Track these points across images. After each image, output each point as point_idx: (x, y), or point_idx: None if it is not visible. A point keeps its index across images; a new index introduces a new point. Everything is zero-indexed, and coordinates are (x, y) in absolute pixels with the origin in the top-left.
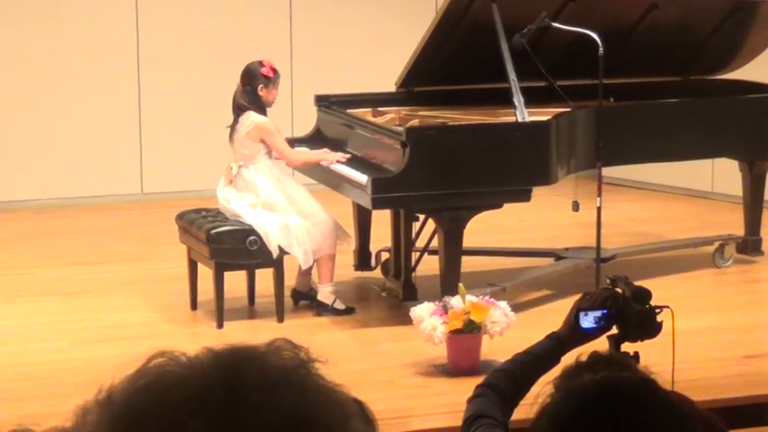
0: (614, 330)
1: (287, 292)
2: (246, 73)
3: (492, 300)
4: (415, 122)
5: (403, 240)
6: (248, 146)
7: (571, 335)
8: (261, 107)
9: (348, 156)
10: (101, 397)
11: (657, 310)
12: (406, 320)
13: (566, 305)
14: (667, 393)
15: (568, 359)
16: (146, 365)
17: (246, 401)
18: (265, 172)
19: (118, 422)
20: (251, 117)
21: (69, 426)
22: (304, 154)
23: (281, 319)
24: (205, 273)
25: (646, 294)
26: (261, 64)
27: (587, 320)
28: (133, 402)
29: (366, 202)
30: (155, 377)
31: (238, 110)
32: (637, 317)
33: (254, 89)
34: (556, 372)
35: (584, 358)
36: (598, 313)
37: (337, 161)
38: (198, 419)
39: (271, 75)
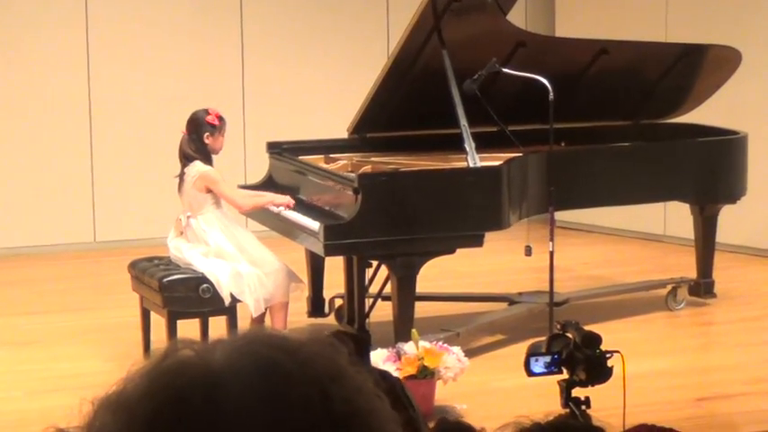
0: (565, 375)
1: None
2: (192, 121)
3: (445, 345)
4: (367, 168)
5: (356, 287)
6: (195, 196)
7: None
8: (207, 155)
9: (293, 201)
10: (112, 398)
11: (608, 355)
12: None
13: (519, 350)
14: None
15: None
16: (166, 359)
17: (299, 411)
18: (214, 222)
19: (136, 428)
20: (196, 167)
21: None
22: (252, 198)
23: None
24: (158, 321)
25: (596, 339)
26: (206, 112)
27: (538, 366)
28: (155, 407)
29: (319, 249)
30: (176, 377)
31: (185, 159)
32: (587, 362)
33: (199, 137)
34: None
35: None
36: (548, 358)
37: (287, 206)
38: (243, 430)
39: (216, 122)
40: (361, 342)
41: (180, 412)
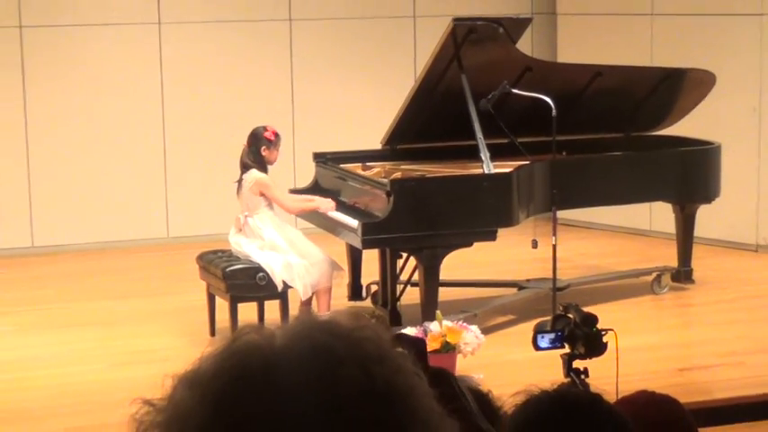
0: (567, 350)
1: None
2: (252, 135)
3: (465, 324)
4: (398, 175)
5: (389, 275)
6: (251, 199)
7: None
8: (263, 166)
9: (336, 203)
10: (188, 375)
11: (603, 333)
12: None
13: (527, 328)
14: (611, 406)
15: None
16: (235, 342)
17: (348, 392)
18: (267, 221)
19: (208, 401)
20: (252, 174)
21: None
22: (300, 202)
23: None
24: (222, 304)
25: (593, 319)
26: (265, 129)
27: (544, 341)
28: (224, 383)
29: (357, 243)
30: (242, 357)
31: (243, 167)
32: (586, 338)
33: (257, 149)
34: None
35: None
36: (552, 335)
37: (329, 209)
38: (297, 405)
39: (273, 138)
40: (418, 347)
41: (243, 389)
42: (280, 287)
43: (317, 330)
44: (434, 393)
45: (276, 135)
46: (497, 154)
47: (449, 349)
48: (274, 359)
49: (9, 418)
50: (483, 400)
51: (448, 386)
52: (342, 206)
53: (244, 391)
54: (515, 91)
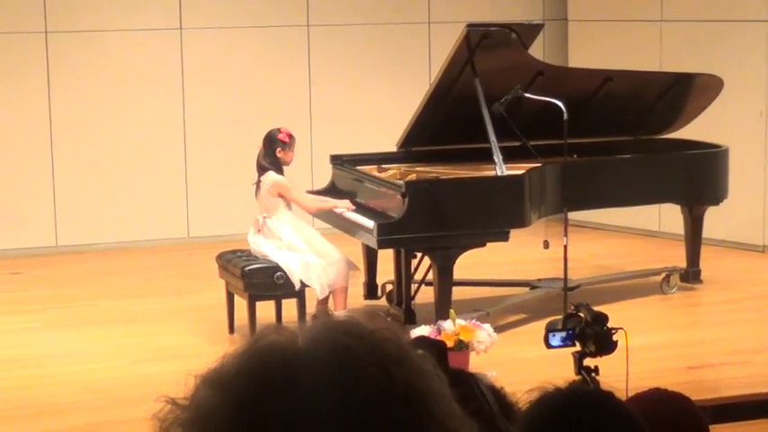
0: (578, 348)
1: (308, 319)
2: (267, 138)
3: (478, 323)
4: (412, 176)
5: (404, 274)
6: (270, 200)
7: None
8: (279, 167)
9: (353, 204)
10: (211, 375)
11: (613, 331)
12: None
13: (539, 326)
14: (623, 403)
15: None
16: (257, 343)
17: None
18: (285, 221)
19: (230, 401)
20: (270, 176)
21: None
22: (318, 201)
23: None
24: (240, 303)
25: (603, 318)
26: (279, 131)
27: (555, 339)
28: (246, 383)
29: (373, 243)
30: (264, 358)
31: (261, 170)
32: (596, 337)
33: (273, 152)
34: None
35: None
36: (563, 334)
37: (347, 209)
38: (316, 405)
39: (287, 140)
40: (439, 350)
41: (264, 389)
42: (297, 286)
43: (338, 332)
44: (454, 394)
45: (290, 136)
46: (510, 156)
47: (462, 347)
48: (295, 360)
49: (34, 412)
50: (498, 395)
51: (468, 387)
52: (358, 207)
53: (265, 391)
54: (527, 95)
